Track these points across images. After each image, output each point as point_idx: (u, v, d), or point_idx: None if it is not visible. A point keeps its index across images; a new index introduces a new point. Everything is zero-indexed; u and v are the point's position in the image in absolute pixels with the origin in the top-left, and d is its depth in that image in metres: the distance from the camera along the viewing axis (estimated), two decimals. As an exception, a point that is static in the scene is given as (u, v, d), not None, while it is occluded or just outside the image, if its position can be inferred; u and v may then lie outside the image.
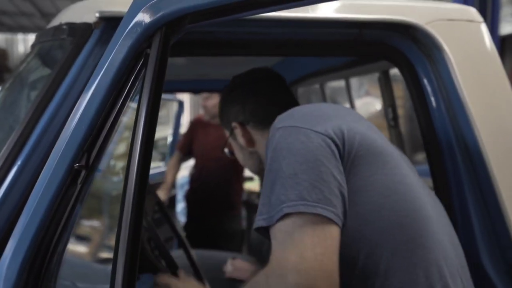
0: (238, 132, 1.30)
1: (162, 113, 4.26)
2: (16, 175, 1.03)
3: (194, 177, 3.33)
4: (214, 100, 3.12)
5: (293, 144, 0.93)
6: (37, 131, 1.07)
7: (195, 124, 3.41)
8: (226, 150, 1.49)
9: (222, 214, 3.21)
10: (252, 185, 3.99)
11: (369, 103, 6.44)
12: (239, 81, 1.35)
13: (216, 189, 3.15)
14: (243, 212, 3.75)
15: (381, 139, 1.03)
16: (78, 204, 0.89)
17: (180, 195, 4.30)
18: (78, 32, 1.15)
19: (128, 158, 0.78)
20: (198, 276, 1.57)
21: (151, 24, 0.82)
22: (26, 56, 1.39)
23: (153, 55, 0.81)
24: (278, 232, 0.88)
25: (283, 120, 1.01)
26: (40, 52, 1.32)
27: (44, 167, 0.90)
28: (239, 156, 1.37)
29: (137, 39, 0.83)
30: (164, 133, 4.26)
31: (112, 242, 0.83)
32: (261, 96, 1.30)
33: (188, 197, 3.39)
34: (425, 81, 1.32)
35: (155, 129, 0.80)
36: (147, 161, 0.78)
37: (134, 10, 0.85)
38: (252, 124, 1.28)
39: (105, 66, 0.86)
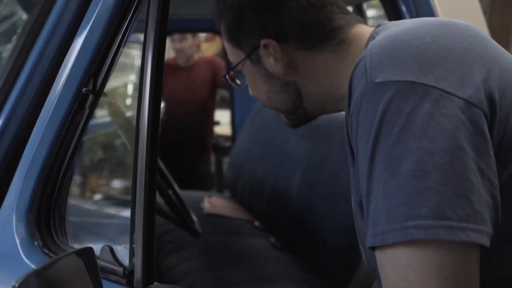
0: (270, 52, 0.88)
1: (124, 59, 4.15)
2: (12, 106, 1.02)
3: (164, 120, 3.34)
4: (189, 41, 3.09)
5: (415, 118, 0.57)
6: (30, 60, 1.05)
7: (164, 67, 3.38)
8: (227, 77, 1.02)
9: (194, 157, 3.26)
10: (219, 129, 4.03)
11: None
12: None
13: (188, 132, 3.19)
14: (212, 155, 3.81)
15: None
16: (85, 129, 0.91)
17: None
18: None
19: (139, 95, 0.78)
20: (187, 213, 1.60)
21: None
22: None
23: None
24: (396, 263, 0.56)
25: (383, 64, 0.62)
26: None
27: (50, 93, 0.90)
28: (260, 88, 0.95)
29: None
30: (124, 79, 4.15)
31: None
32: (306, 2, 0.85)
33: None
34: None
35: (164, 63, 0.80)
36: (158, 99, 0.78)
37: None
38: (294, 42, 0.87)
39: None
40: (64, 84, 0.89)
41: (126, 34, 0.87)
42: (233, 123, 2.98)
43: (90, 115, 0.90)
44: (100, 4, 0.87)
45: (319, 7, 0.85)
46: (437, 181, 0.55)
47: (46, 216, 0.91)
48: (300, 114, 0.94)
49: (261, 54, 0.89)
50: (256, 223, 2.18)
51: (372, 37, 0.78)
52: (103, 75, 0.88)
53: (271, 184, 2.09)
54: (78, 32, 0.89)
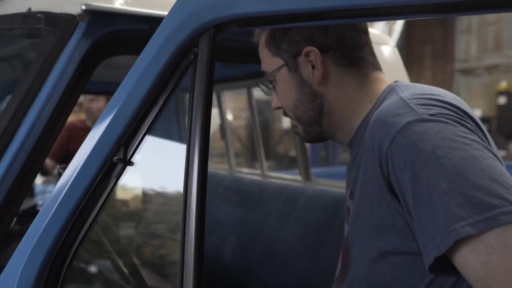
0: (309, 60, 0.96)
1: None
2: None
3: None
4: (100, 103, 3.00)
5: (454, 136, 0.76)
6: (21, 131, 1.01)
7: (70, 129, 3.24)
8: (261, 86, 1.06)
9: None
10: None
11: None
12: None
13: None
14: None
15: None
16: (109, 198, 0.88)
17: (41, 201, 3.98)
18: (61, 23, 1.10)
19: (186, 160, 0.80)
20: None
21: (201, 24, 0.86)
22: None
23: (203, 53, 0.86)
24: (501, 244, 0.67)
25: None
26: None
27: (74, 159, 0.86)
28: (290, 96, 1.01)
29: (186, 38, 0.86)
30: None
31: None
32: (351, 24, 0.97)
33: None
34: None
35: (210, 126, 0.84)
36: (205, 161, 0.80)
37: (182, 8, 0.88)
38: (333, 55, 0.96)
39: (149, 61, 0.87)
40: (93, 151, 0.86)
41: (164, 104, 0.88)
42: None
43: (115, 185, 0.87)
44: (139, 75, 0.87)
45: (359, 33, 0.98)
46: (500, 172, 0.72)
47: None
48: (315, 130, 1.02)
49: (301, 61, 0.97)
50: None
51: (391, 88, 0.93)
52: (135, 144, 0.87)
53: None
54: (114, 98, 0.88)
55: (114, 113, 0.87)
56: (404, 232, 0.81)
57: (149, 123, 0.88)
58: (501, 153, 0.79)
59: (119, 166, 0.87)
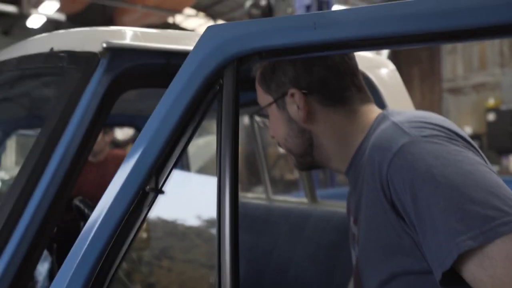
0: (294, 100, 1.02)
1: None
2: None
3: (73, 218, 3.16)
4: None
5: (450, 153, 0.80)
6: (51, 167, 1.05)
7: None
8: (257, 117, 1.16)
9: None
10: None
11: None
12: None
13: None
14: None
15: None
16: (141, 228, 0.91)
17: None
18: (83, 61, 1.15)
19: (218, 191, 0.84)
20: None
21: (226, 57, 0.91)
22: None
23: (228, 84, 0.91)
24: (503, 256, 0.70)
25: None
26: (22, 78, 1.26)
27: (108, 189, 0.90)
28: (280, 130, 1.08)
29: (212, 70, 0.92)
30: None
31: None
32: (336, 66, 1.03)
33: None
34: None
35: (238, 152, 0.88)
36: (236, 189, 0.83)
37: (207, 43, 0.93)
38: (317, 96, 1.02)
39: (177, 93, 0.92)
40: (126, 180, 0.89)
41: (192, 133, 0.93)
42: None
43: (147, 214, 0.91)
44: (168, 108, 0.92)
45: (343, 75, 1.03)
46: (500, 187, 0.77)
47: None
48: (308, 160, 1.08)
49: (287, 100, 1.04)
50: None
51: (383, 116, 0.99)
52: (166, 173, 0.91)
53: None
54: (145, 129, 0.92)
55: (146, 143, 0.91)
56: (413, 252, 0.84)
57: (179, 153, 0.92)
58: (494, 168, 0.84)
59: (151, 195, 0.91)
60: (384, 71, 1.70)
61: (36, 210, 1.00)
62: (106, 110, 1.18)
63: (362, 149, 0.98)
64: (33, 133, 3.79)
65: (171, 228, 2.08)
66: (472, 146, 0.86)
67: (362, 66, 1.62)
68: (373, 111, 1.05)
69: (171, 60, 1.26)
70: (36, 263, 1.02)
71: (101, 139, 3.15)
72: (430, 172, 0.77)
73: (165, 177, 0.92)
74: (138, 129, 3.17)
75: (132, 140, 3.85)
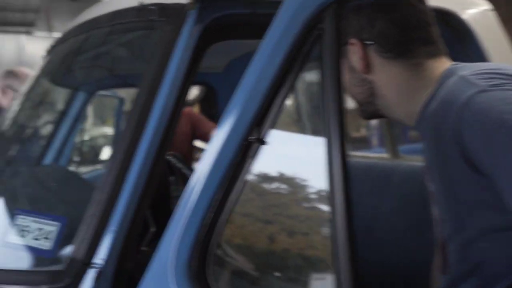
0: (354, 50, 1.03)
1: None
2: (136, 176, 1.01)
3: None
4: None
5: None
6: (151, 122, 1.05)
7: None
8: None
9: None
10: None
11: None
12: None
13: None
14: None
15: None
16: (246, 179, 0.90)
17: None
18: (173, 13, 1.14)
19: (328, 149, 0.81)
20: None
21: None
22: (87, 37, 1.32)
23: (329, 30, 0.86)
24: None
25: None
26: (115, 33, 1.27)
27: (211, 142, 0.89)
28: (346, 77, 1.08)
29: (311, 14, 0.87)
30: (99, 131, 4.07)
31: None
32: (401, 20, 1.02)
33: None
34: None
35: (344, 102, 0.84)
36: (343, 146, 0.82)
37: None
38: (377, 48, 1.02)
39: (275, 42, 0.89)
40: (229, 133, 0.88)
41: (292, 83, 0.90)
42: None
43: (252, 164, 0.90)
44: (267, 56, 0.89)
45: (408, 29, 1.01)
46: None
47: (204, 270, 0.88)
48: (371, 108, 1.07)
49: (349, 50, 1.03)
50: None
51: (450, 70, 0.95)
52: (269, 123, 0.89)
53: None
54: (244, 81, 0.90)
55: (246, 94, 0.89)
56: (496, 206, 0.81)
57: (280, 103, 0.90)
58: None
59: (255, 145, 0.89)
60: (473, 14, 1.56)
61: (143, 166, 1.01)
62: (197, 63, 1.16)
63: (431, 105, 0.94)
64: (106, 93, 3.92)
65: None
66: None
67: (454, 5, 1.50)
68: (441, 65, 1.01)
69: (257, 10, 1.23)
70: (144, 214, 1.04)
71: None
72: (501, 119, 0.76)
73: (267, 127, 0.90)
74: (209, 87, 3.19)
75: (198, 99, 3.88)
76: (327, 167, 0.80)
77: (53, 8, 8.91)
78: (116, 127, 4.11)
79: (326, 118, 0.81)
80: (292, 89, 0.90)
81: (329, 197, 0.79)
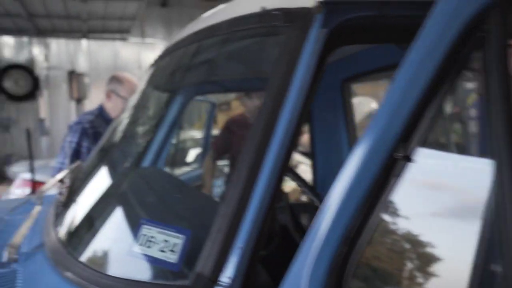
0: None
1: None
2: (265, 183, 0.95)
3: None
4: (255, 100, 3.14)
5: None
6: (279, 129, 0.99)
7: (232, 123, 3.39)
8: None
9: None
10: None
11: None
12: None
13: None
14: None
15: None
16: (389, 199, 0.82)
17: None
18: (298, 18, 1.07)
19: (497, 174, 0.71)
20: None
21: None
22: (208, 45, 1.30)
23: (496, 32, 0.75)
24: None
25: None
26: (234, 40, 1.23)
27: (353, 156, 0.82)
28: None
29: (473, 13, 0.77)
30: (189, 134, 4.18)
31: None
32: None
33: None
34: None
35: None
36: None
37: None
38: None
39: (427, 48, 0.79)
40: (371, 149, 0.80)
41: (446, 94, 0.80)
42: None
43: (397, 183, 0.81)
44: (419, 62, 0.80)
45: None
46: None
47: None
48: None
49: None
50: None
51: None
52: (417, 139, 0.80)
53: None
54: (391, 90, 0.81)
55: (393, 106, 0.80)
56: None
57: (430, 116, 0.80)
58: None
59: (400, 163, 0.80)
60: None
61: (269, 179, 0.95)
62: (322, 68, 1.09)
63: None
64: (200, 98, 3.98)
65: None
66: None
67: None
68: None
69: (385, 12, 1.13)
70: (268, 229, 0.98)
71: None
72: None
73: (415, 143, 0.80)
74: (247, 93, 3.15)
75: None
76: (496, 196, 0.69)
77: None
78: (207, 130, 4.17)
79: (493, 136, 0.70)
80: (444, 101, 0.80)
81: (501, 231, 0.68)
